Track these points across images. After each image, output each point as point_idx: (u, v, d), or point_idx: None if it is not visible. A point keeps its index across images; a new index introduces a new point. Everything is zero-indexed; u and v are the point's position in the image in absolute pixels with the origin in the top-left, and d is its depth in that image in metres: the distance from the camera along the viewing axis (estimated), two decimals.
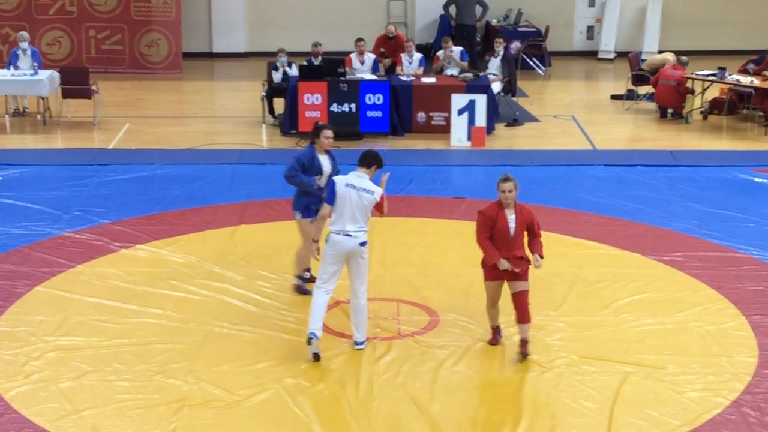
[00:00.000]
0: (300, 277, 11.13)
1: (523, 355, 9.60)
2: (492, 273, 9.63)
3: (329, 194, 9.65)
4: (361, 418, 8.66)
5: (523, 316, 9.55)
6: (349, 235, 9.54)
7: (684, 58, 19.31)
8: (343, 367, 9.51)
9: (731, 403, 8.85)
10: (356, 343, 9.84)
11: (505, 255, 9.49)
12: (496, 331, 10.00)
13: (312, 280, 10.83)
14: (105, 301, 10.89)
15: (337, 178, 9.72)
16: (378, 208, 9.63)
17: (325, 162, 10.72)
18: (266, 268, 11.75)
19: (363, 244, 9.61)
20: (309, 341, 9.51)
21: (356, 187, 9.53)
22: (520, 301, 9.56)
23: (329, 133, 10.67)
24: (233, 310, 10.68)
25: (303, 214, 10.85)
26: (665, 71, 18.98)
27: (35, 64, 18.35)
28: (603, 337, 10.14)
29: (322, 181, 10.61)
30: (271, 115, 18.55)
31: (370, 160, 9.68)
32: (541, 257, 9.57)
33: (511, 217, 9.51)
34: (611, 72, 24.12)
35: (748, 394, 8.99)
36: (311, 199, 10.72)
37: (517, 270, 9.49)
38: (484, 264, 9.70)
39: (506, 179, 9.53)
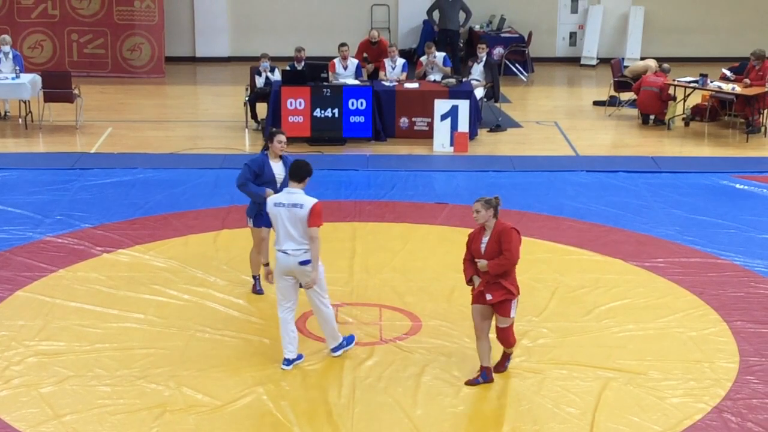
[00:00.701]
0: (255, 278, 11.27)
1: (501, 368, 9.50)
2: (474, 296, 9.33)
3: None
4: (343, 423, 8.66)
5: (502, 343, 9.44)
6: (287, 254, 9.28)
7: (665, 65, 19.39)
8: (326, 372, 9.50)
9: (712, 409, 8.88)
10: (331, 350, 9.76)
11: (481, 278, 9.20)
12: (483, 371, 9.30)
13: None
14: (86, 305, 10.85)
15: (268, 199, 9.52)
16: (311, 221, 9.16)
17: (277, 168, 10.68)
18: (249, 273, 11.71)
19: (303, 263, 9.24)
20: (283, 366, 9.51)
21: (285, 204, 9.24)
22: (501, 335, 9.34)
23: (282, 137, 10.62)
24: (215, 315, 10.67)
25: (254, 222, 10.94)
26: (647, 78, 19.05)
27: (17, 67, 18.27)
28: (585, 342, 10.16)
29: (270, 194, 10.31)
30: (254, 120, 18.53)
31: (301, 174, 9.33)
32: (488, 268, 9.06)
33: (484, 240, 9.16)
34: (594, 78, 24.19)
35: (729, 400, 9.03)
36: (258, 204, 10.77)
37: (488, 296, 9.08)
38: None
39: (476, 200, 9.18)
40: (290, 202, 9.24)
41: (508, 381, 9.36)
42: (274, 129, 11.00)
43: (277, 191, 10.38)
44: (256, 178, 10.66)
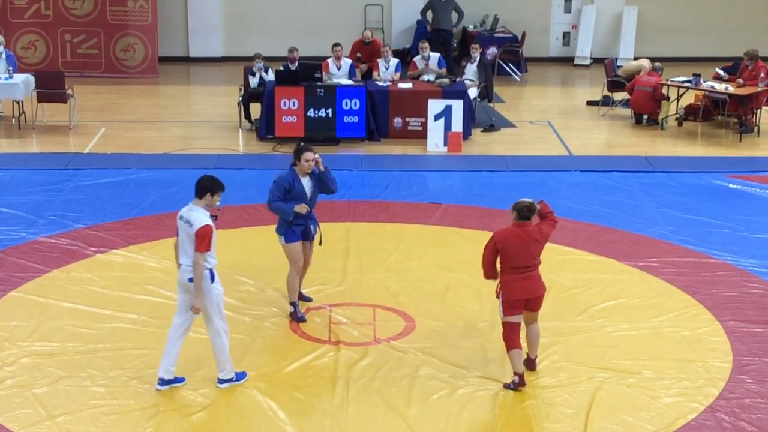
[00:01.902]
0: (293, 304, 10.66)
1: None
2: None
3: None
4: (337, 423, 8.66)
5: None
6: (182, 267, 8.98)
7: (657, 64, 19.40)
8: (319, 373, 9.50)
9: (706, 408, 8.89)
10: (218, 380, 9.24)
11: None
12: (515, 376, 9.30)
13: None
14: (80, 306, 10.84)
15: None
16: (196, 244, 8.72)
17: (306, 184, 10.27)
18: (242, 273, 11.73)
19: (192, 280, 8.84)
20: (157, 387, 9.16)
21: (183, 218, 8.89)
22: None
23: (310, 155, 10.12)
24: None
25: (286, 237, 10.44)
26: (640, 78, 19.07)
27: (10, 68, 18.25)
28: (579, 342, 10.17)
29: (301, 208, 10.23)
30: (248, 120, 18.52)
31: (200, 190, 8.91)
32: None
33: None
34: (587, 78, 24.22)
35: (723, 399, 9.04)
36: (296, 222, 10.35)
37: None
38: None
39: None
40: (187, 217, 8.87)
41: (502, 381, 9.35)
42: (301, 145, 10.33)
43: (308, 205, 10.22)
44: (285, 194, 10.21)
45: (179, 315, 9.11)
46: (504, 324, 9.24)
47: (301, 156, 10.15)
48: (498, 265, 9.21)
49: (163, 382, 9.12)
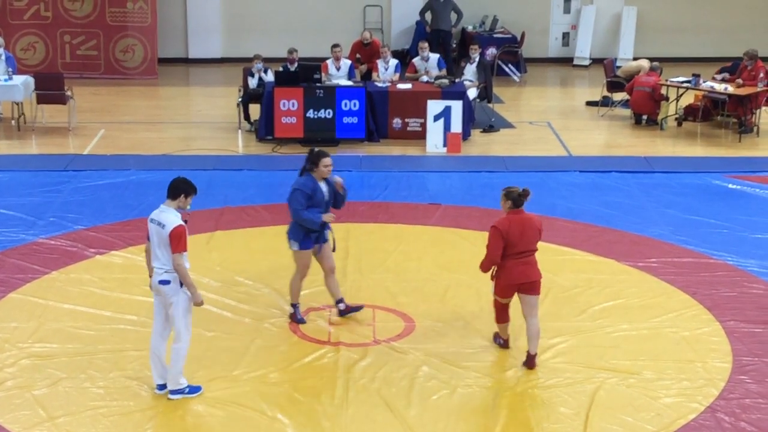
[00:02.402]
0: (295, 306, 10.61)
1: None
2: None
3: None
4: (337, 423, 8.66)
5: None
6: (154, 270, 8.88)
7: (655, 63, 19.38)
8: (319, 373, 9.50)
9: (706, 409, 8.89)
10: (162, 388, 9.06)
11: None
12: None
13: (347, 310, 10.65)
14: (80, 307, 10.84)
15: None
16: (172, 246, 8.64)
17: (324, 189, 10.20)
18: (242, 275, 11.73)
19: (162, 282, 8.74)
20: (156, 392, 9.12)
21: (154, 221, 8.82)
22: None
23: (329, 161, 10.06)
24: (209, 316, 10.64)
25: (301, 244, 10.24)
26: (639, 78, 19.07)
27: (10, 69, 18.25)
28: (578, 342, 10.17)
29: (329, 218, 10.19)
30: (247, 121, 18.52)
31: (174, 191, 8.86)
32: None
33: None
34: (586, 78, 24.22)
35: (723, 400, 9.04)
36: (304, 228, 10.24)
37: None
38: None
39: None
40: (158, 219, 8.78)
41: (502, 381, 9.36)
42: (317, 150, 10.18)
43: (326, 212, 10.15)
44: (308, 201, 10.09)
45: (155, 320, 9.02)
46: (495, 302, 9.76)
47: (319, 162, 10.04)
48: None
49: (161, 387, 9.09)
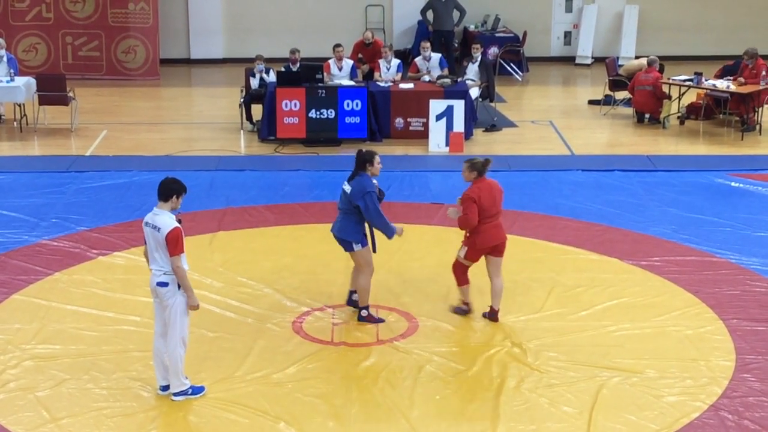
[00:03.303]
0: (367, 308, 10.69)
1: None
2: None
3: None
4: (340, 423, 8.66)
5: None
6: (152, 272, 8.88)
7: (652, 57, 19.34)
8: (322, 374, 9.49)
9: (709, 407, 8.88)
10: (161, 388, 9.11)
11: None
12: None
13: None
14: (82, 308, 10.84)
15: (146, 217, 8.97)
16: (169, 249, 8.63)
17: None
18: (245, 275, 11.73)
19: (160, 284, 8.74)
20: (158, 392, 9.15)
21: (149, 224, 8.75)
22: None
23: (379, 158, 10.58)
24: (211, 317, 10.65)
25: (363, 243, 10.49)
26: (639, 76, 19.07)
27: (11, 70, 18.27)
28: (581, 341, 10.17)
29: (401, 232, 10.54)
30: (249, 121, 18.52)
31: (166, 193, 8.77)
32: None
33: None
34: (588, 77, 24.21)
35: (726, 398, 9.03)
36: (364, 226, 10.50)
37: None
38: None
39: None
40: (153, 222, 8.73)
41: (505, 380, 9.36)
42: (366, 150, 10.65)
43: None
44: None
45: (157, 321, 9.02)
46: (460, 264, 10.55)
47: (374, 159, 10.49)
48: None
49: (164, 388, 9.08)
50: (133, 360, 9.70)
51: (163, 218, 8.71)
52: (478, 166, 10.43)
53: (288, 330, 10.40)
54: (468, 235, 10.42)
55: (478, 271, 10.63)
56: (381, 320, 10.63)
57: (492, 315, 10.60)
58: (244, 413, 8.81)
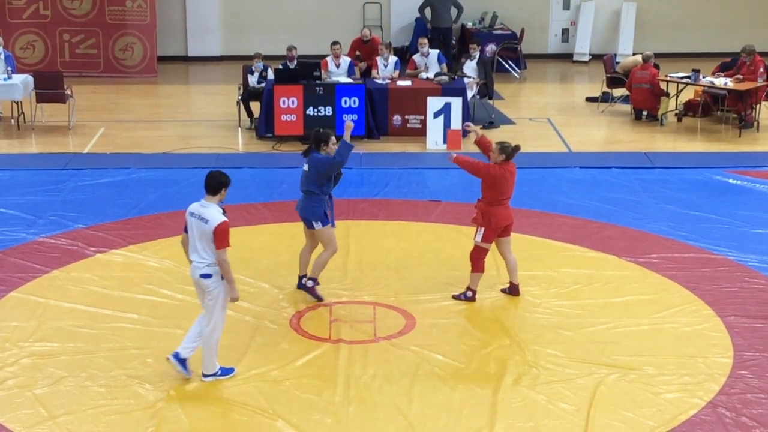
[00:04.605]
0: (311, 278, 11.07)
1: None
2: None
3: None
4: (338, 421, 8.66)
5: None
6: (192, 264, 9.06)
7: (647, 53, 19.32)
8: (320, 371, 9.49)
9: (707, 404, 8.89)
10: (174, 354, 9.26)
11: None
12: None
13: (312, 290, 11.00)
14: (80, 306, 10.84)
15: (189, 207, 9.16)
16: (216, 242, 8.85)
17: None
18: (243, 272, 11.72)
19: (203, 276, 8.94)
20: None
21: (195, 215, 8.94)
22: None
23: (335, 139, 10.79)
24: None
25: (323, 222, 10.82)
26: (635, 74, 19.07)
27: (9, 68, 18.25)
28: (579, 338, 10.17)
29: (349, 121, 10.91)
30: (250, 118, 18.48)
31: (215, 186, 9.00)
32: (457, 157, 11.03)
33: None
34: (586, 74, 24.21)
35: (724, 395, 9.04)
36: (325, 206, 10.79)
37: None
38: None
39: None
40: (200, 214, 8.91)
41: (503, 377, 9.36)
42: (326, 131, 10.96)
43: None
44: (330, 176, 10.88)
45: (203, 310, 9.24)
46: (480, 250, 10.90)
47: (329, 140, 10.70)
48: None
49: (176, 355, 9.18)
50: (130, 357, 9.69)
51: (212, 211, 8.88)
52: (508, 150, 10.79)
53: (285, 327, 10.41)
54: (482, 214, 10.82)
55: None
56: (321, 299, 10.93)
57: (513, 289, 11.13)
58: (242, 411, 8.81)
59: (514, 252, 11.21)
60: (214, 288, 8.98)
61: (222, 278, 8.99)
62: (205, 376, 9.22)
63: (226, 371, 9.30)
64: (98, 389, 9.12)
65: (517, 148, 10.86)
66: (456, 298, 11.04)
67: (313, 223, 10.81)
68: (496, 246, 11.08)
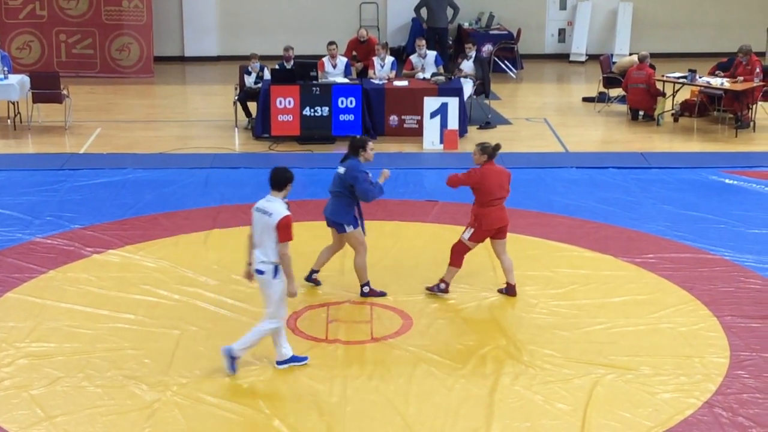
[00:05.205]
0: (368, 284, 11.17)
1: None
2: None
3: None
4: (335, 421, 8.66)
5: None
6: (255, 258, 9.23)
7: (643, 53, 19.34)
8: (317, 372, 9.49)
9: (703, 404, 8.90)
10: (276, 363, 9.55)
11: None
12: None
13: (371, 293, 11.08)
14: (77, 306, 10.83)
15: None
16: (279, 235, 9.00)
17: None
18: (240, 272, 11.69)
19: (257, 272, 9.17)
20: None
21: (260, 209, 9.16)
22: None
23: (373, 144, 10.98)
24: (206, 315, 10.66)
25: (354, 224, 10.93)
26: (631, 74, 19.08)
27: (5, 68, 18.23)
28: (576, 338, 10.18)
29: (387, 173, 11.08)
30: (248, 117, 18.45)
31: (281, 182, 9.18)
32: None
33: None
34: (583, 74, 24.22)
35: (720, 395, 9.05)
36: (354, 210, 10.90)
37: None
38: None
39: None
40: (264, 208, 9.13)
41: (499, 378, 9.36)
42: (363, 138, 11.15)
43: None
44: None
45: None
46: (463, 246, 10.97)
47: (366, 146, 10.86)
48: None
49: (228, 351, 9.36)
50: (127, 358, 9.69)
51: (276, 205, 9.09)
52: (489, 150, 10.83)
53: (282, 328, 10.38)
54: (474, 216, 10.86)
55: (478, 272, 10.64)
56: (383, 293, 11.07)
57: (510, 290, 11.12)
58: (239, 411, 8.81)
59: (511, 252, 11.22)
60: (267, 285, 9.19)
61: (275, 275, 9.11)
62: (278, 363, 9.46)
63: (298, 359, 9.50)
64: (95, 390, 9.12)
65: (497, 146, 10.91)
66: (429, 290, 11.17)
67: (345, 227, 10.88)
68: (491, 248, 11.14)
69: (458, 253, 11.05)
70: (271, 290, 9.21)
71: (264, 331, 9.39)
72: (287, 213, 9.05)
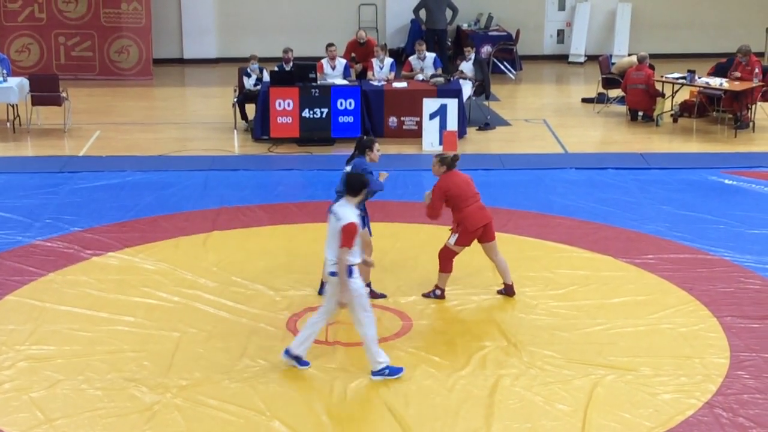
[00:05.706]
0: (368, 285, 10.98)
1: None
2: None
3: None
4: (334, 424, 8.65)
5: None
6: (327, 259, 9.28)
7: (642, 54, 19.35)
8: (317, 374, 9.49)
9: (704, 405, 8.89)
10: (371, 373, 9.47)
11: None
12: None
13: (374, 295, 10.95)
14: (77, 309, 10.82)
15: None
16: (341, 240, 9.01)
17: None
18: (239, 275, 11.72)
19: (331, 273, 9.18)
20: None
21: (332, 212, 9.29)
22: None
23: (379, 146, 11.12)
24: (206, 317, 10.65)
25: (361, 225, 10.74)
26: (630, 75, 19.08)
27: (4, 71, 18.22)
28: (576, 339, 10.17)
29: (385, 174, 11.15)
30: (244, 120, 18.48)
31: (356, 188, 9.34)
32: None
33: None
34: (582, 75, 24.22)
35: (721, 395, 9.04)
36: (360, 210, 10.56)
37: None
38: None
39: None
40: (336, 211, 9.22)
41: (500, 379, 9.36)
42: (370, 138, 11.27)
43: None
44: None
45: (326, 301, 9.47)
46: (449, 251, 10.94)
47: (373, 146, 11.00)
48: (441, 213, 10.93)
49: (287, 352, 9.46)
50: (127, 360, 9.69)
51: (346, 210, 9.15)
52: (448, 161, 10.84)
53: (282, 329, 10.40)
54: (457, 223, 10.85)
55: (479, 270, 10.64)
56: (383, 296, 11.09)
57: (508, 290, 11.13)
58: (239, 412, 8.80)
59: (510, 253, 11.22)
60: (336, 283, 9.16)
61: (351, 275, 9.12)
62: (373, 374, 9.33)
63: (394, 370, 9.37)
64: (95, 392, 9.11)
65: (455, 157, 10.90)
66: (426, 296, 11.13)
67: None
68: (484, 252, 11.10)
69: (446, 258, 11.01)
70: (351, 294, 9.18)
71: (371, 336, 9.32)
72: (353, 220, 9.04)
